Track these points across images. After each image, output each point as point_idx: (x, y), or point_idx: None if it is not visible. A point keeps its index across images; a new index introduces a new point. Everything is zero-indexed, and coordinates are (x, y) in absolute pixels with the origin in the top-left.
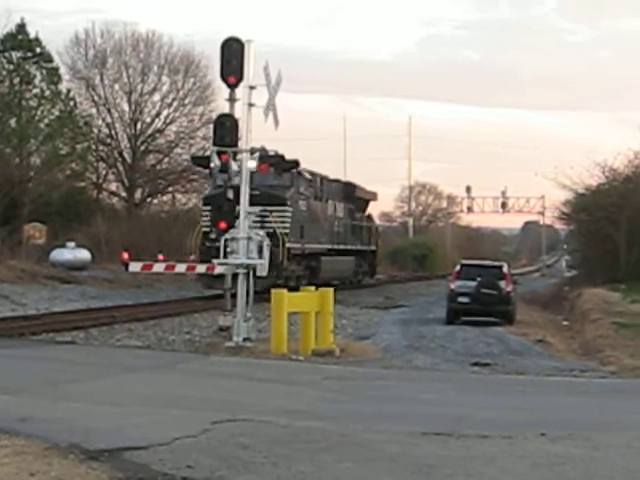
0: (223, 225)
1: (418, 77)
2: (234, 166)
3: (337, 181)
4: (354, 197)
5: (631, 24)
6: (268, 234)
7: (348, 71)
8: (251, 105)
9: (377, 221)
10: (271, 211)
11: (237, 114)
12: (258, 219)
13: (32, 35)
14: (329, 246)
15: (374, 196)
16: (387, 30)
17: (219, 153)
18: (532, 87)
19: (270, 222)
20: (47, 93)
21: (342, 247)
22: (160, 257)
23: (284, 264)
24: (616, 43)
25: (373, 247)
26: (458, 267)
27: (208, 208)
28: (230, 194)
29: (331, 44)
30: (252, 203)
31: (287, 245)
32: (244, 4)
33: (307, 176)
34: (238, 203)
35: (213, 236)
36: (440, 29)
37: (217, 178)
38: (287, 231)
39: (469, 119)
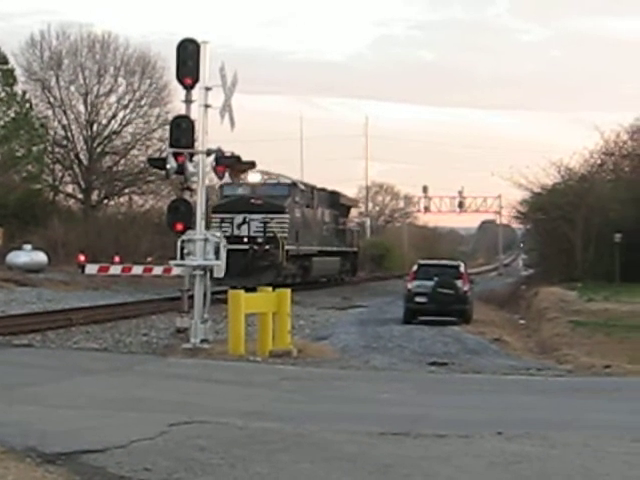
0: (179, 227)
1: (373, 77)
2: (190, 167)
3: (324, 190)
4: (339, 204)
5: (583, 24)
6: (269, 237)
7: (303, 72)
8: (207, 106)
9: None
10: (272, 218)
11: (193, 115)
12: (261, 225)
13: None
14: (319, 248)
15: (355, 203)
16: (340, 31)
17: (175, 155)
18: (487, 87)
19: (271, 227)
20: (2, 95)
21: (329, 249)
22: (116, 259)
23: (284, 264)
24: (568, 43)
25: (355, 249)
26: (415, 267)
27: (216, 216)
28: (187, 196)
29: (285, 45)
30: (255, 211)
31: (286, 247)
32: (199, 5)
33: (301, 187)
34: (243, 211)
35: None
36: (394, 29)
37: (225, 189)
38: (286, 235)
39: (425, 119)
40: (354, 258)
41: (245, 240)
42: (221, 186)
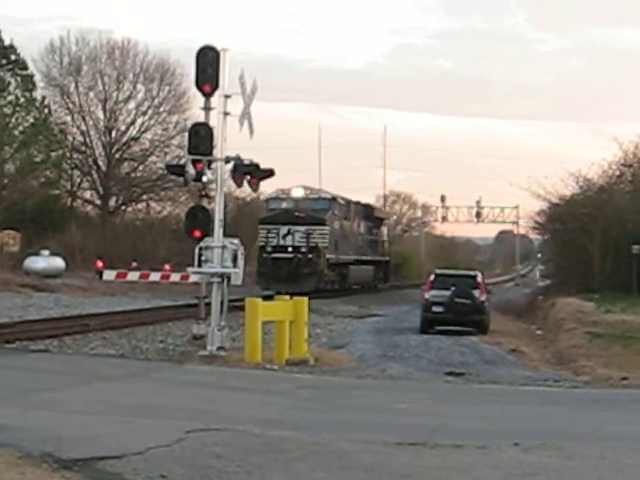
0: (197, 233)
1: (391, 86)
2: (209, 175)
3: (359, 203)
4: (372, 216)
5: (601, 34)
6: (312, 247)
7: (320, 80)
8: (226, 114)
9: None
10: (314, 229)
11: (212, 122)
12: (304, 235)
13: (7, 42)
14: (355, 257)
15: (388, 215)
16: (358, 39)
17: (194, 162)
18: (505, 97)
19: (313, 238)
20: (22, 100)
21: (364, 258)
22: (134, 265)
23: (324, 272)
24: (587, 53)
25: (387, 258)
26: (432, 276)
27: (263, 227)
28: (205, 203)
29: (302, 52)
30: (299, 223)
31: (326, 256)
32: (218, 13)
33: (340, 201)
34: (288, 223)
35: (268, 249)
36: (411, 38)
37: (271, 203)
38: (326, 245)
39: (443, 128)
40: (386, 267)
41: (290, 249)
42: (267, 200)
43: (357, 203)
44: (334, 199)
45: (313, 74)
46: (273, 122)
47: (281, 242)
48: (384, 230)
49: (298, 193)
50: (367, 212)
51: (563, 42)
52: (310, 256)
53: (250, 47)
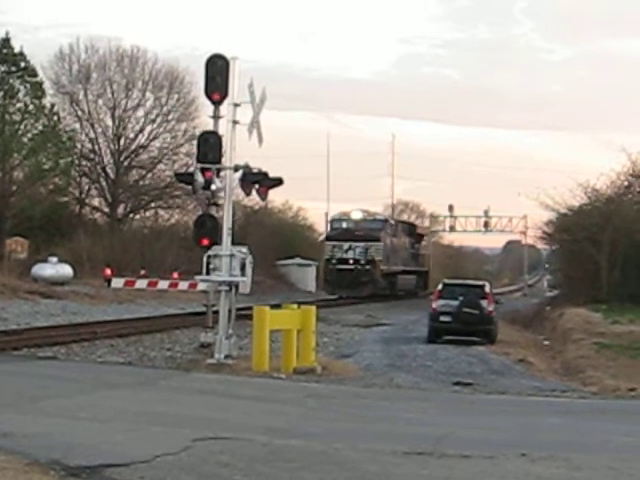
0: (206, 242)
1: (399, 95)
2: (218, 183)
3: (405, 222)
4: (415, 233)
5: (609, 45)
6: (369, 260)
7: (328, 88)
8: (235, 122)
9: None
10: (371, 245)
11: (221, 131)
12: (363, 250)
13: (17, 49)
14: (402, 268)
15: (427, 231)
16: (365, 48)
17: (202, 170)
18: (513, 106)
19: (370, 252)
20: (31, 107)
21: (409, 268)
22: (142, 273)
23: (379, 280)
24: (595, 64)
25: (426, 268)
26: (440, 286)
27: (329, 243)
28: (213, 211)
29: (310, 61)
30: (358, 240)
31: (381, 267)
32: (227, 21)
33: (391, 221)
34: (349, 240)
35: (334, 261)
36: (418, 48)
37: (334, 223)
38: (380, 258)
39: (451, 138)
40: (425, 276)
41: (350, 262)
42: (331, 220)
43: (403, 222)
44: (386, 220)
45: (320, 83)
46: (281, 131)
47: (344, 255)
48: (424, 244)
49: (357, 215)
50: (411, 229)
51: (570, 52)
52: (368, 267)
53: (257, 55)
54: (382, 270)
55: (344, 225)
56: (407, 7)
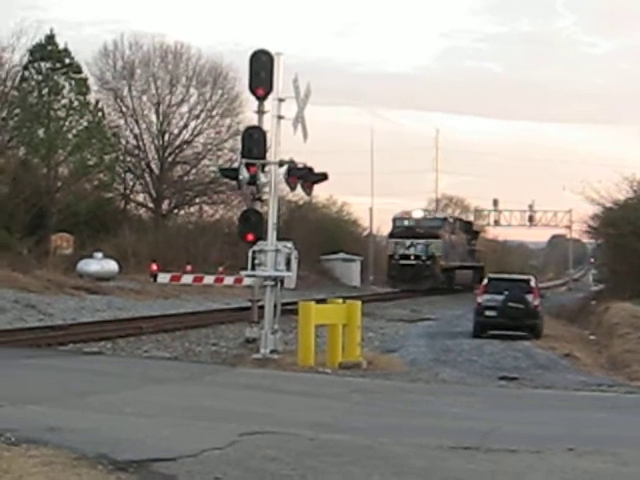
0: (250, 237)
1: (441, 89)
2: (262, 178)
3: (462, 220)
4: (471, 230)
5: None
6: (429, 256)
7: (370, 83)
8: (280, 117)
9: None
10: (431, 242)
11: (265, 126)
12: (424, 247)
13: (61, 46)
14: (459, 263)
15: (482, 228)
16: (406, 42)
17: (247, 165)
18: (556, 100)
19: (431, 249)
20: (75, 104)
21: (465, 264)
22: (188, 268)
23: (439, 275)
24: (636, 57)
25: (482, 264)
26: (486, 281)
27: (392, 241)
28: (258, 206)
29: (352, 55)
30: (419, 237)
31: (440, 263)
32: (269, 16)
33: (450, 220)
34: (411, 237)
35: (396, 257)
36: (460, 42)
37: (397, 222)
38: (440, 254)
39: (495, 132)
40: (481, 271)
41: (412, 257)
42: (394, 219)
43: (460, 220)
44: (445, 219)
45: (363, 77)
46: (324, 125)
47: (406, 252)
48: (479, 240)
49: (418, 214)
50: (467, 227)
51: (611, 45)
52: (428, 263)
53: (299, 50)
54: (441, 265)
55: (406, 223)
56: (447, 1)
